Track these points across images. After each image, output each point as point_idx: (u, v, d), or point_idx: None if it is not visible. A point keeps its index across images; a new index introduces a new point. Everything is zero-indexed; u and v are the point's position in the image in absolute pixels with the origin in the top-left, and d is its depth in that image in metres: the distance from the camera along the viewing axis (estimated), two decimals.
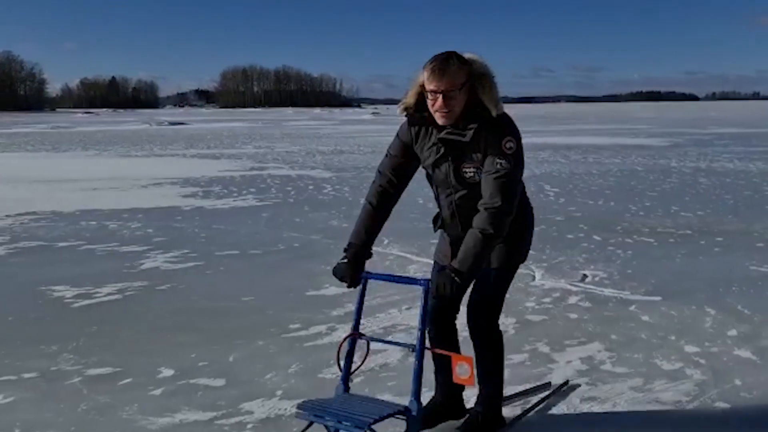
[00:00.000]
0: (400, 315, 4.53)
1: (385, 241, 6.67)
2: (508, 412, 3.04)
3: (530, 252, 2.90)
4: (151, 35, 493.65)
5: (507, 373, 3.53)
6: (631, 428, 2.98)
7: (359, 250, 2.69)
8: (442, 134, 2.58)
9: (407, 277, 2.73)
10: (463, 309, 2.88)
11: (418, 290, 2.49)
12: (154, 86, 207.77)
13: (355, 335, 2.59)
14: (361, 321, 2.64)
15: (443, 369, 2.88)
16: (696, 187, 11.40)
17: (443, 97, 2.49)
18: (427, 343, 2.64)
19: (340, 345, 2.57)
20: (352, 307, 4.64)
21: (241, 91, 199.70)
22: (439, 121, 2.55)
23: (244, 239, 7.27)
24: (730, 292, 5.04)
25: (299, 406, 2.37)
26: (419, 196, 7.40)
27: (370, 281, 2.65)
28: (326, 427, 2.36)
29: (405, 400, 2.46)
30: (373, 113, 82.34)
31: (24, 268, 6.12)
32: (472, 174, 2.59)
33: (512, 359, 3.74)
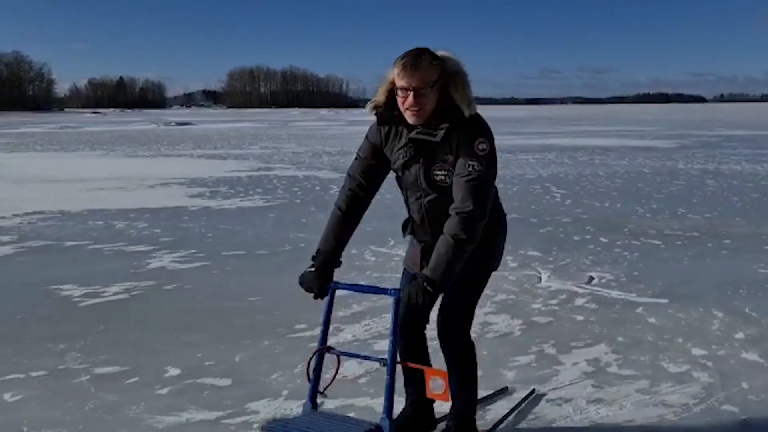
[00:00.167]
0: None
1: (391, 242, 6.68)
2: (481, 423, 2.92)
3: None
4: (158, 36, 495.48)
5: (514, 375, 3.56)
6: (637, 431, 2.97)
7: (328, 257, 2.56)
8: (413, 134, 2.47)
9: (377, 287, 2.58)
10: (433, 318, 2.74)
11: (389, 299, 2.37)
12: (161, 86, 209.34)
13: (323, 350, 2.46)
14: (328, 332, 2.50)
15: (413, 380, 2.79)
16: (703, 189, 11.36)
17: (414, 95, 2.37)
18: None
19: (308, 360, 2.44)
20: (358, 307, 4.69)
21: (248, 91, 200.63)
22: (410, 120, 2.44)
23: (251, 239, 7.29)
24: (738, 295, 5.02)
25: (263, 427, 2.24)
26: None
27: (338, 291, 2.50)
28: None
29: (376, 417, 2.34)
30: None
31: (32, 267, 6.15)
32: (443, 177, 2.47)
33: (518, 361, 3.75)
